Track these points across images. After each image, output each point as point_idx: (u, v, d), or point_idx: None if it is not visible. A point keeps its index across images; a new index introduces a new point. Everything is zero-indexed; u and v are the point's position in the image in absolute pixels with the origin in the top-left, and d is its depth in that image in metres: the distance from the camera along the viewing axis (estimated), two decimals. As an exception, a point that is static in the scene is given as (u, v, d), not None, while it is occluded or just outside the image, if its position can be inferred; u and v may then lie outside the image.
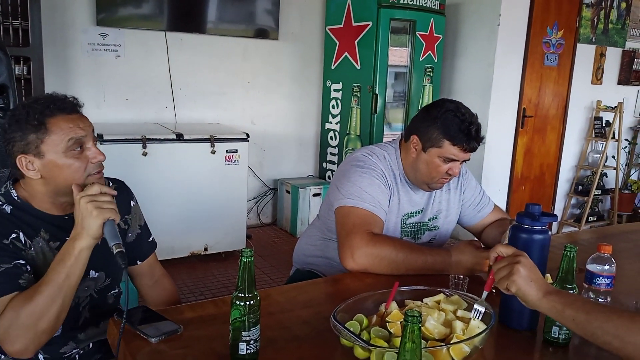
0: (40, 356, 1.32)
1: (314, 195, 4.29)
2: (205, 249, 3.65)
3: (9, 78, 1.91)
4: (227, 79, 4.31)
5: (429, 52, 4.24)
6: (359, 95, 4.20)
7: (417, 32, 4.13)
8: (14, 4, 3.27)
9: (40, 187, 1.27)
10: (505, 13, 4.17)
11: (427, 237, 1.81)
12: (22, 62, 3.21)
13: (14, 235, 1.23)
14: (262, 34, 4.35)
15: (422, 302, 1.24)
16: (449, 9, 4.38)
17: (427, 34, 4.19)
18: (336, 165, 4.50)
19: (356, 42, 4.19)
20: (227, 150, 3.63)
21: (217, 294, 3.20)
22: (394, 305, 1.20)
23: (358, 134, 4.24)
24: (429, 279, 1.42)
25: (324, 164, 4.66)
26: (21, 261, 1.21)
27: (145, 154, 3.32)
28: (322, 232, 1.82)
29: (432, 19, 4.19)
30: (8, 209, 1.26)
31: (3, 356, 1.29)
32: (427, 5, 4.14)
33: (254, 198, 4.49)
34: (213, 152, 3.57)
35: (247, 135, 3.73)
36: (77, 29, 3.71)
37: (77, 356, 1.38)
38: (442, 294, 1.27)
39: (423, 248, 1.56)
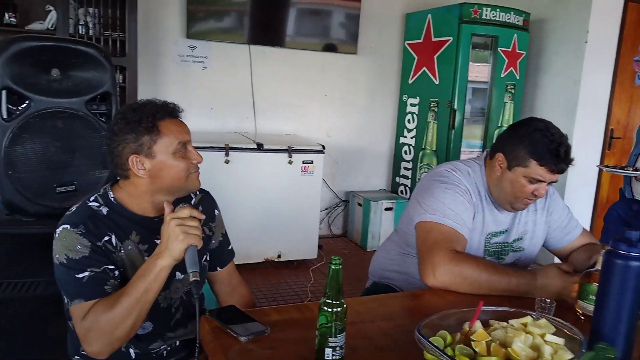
0: (131, 350, 1.41)
1: (386, 209, 4.28)
2: (279, 256, 3.73)
3: (112, 86, 2.06)
4: (305, 91, 4.42)
5: (511, 68, 4.14)
6: (436, 110, 4.17)
7: (499, 48, 4.05)
8: (114, 16, 3.53)
9: (144, 187, 1.34)
10: (594, 30, 4.00)
11: (511, 258, 1.77)
12: (118, 71, 3.45)
13: (106, 238, 1.30)
14: (340, 48, 4.42)
15: (508, 323, 1.22)
16: (533, 25, 4.27)
17: (510, 50, 4.09)
18: (410, 180, 4.48)
19: (435, 57, 4.17)
20: (303, 161, 3.71)
21: (290, 301, 3.26)
22: (478, 324, 1.19)
23: (434, 149, 4.20)
24: (513, 301, 1.39)
25: (397, 178, 4.64)
26: (110, 266, 1.29)
27: (227, 162, 3.46)
28: (401, 246, 1.82)
29: (515, 35, 4.09)
30: (104, 210, 1.34)
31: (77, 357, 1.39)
32: (510, 21, 4.05)
33: (326, 209, 4.54)
34: (290, 163, 3.66)
35: (323, 147, 3.80)
36: (168, 41, 3.94)
37: (164, 352, 1.45)
38: (529, 316, 1.24)
39: (507, 269, 1.53)
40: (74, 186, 1.99)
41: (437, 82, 4.16)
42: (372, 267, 1.96)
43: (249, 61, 4.16)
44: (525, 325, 1.22)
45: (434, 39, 4.19)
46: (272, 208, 3.65)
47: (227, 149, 3.48)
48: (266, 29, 4.18)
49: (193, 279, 1.23)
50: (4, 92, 1.88)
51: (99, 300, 1.24)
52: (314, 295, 3.36)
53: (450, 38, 4.02)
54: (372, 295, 1.55)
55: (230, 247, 1.63)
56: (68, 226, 1.28)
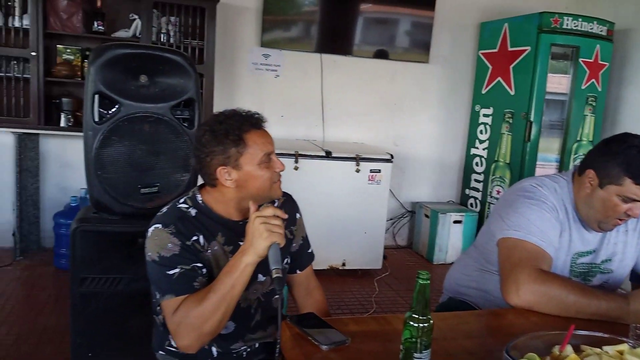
0: (214, 349, 1.44)
1: (455, 222, 4.19)
2: (343, 264, 3.72)
3: (196, 93, 2.13)
4: (374, 100, 4.40)
5: (593, 80, 3.94)
6: (511, 121, 4.03)
7: (580, 59, 3.87)
8: (194, 25, 3.67)
9: (231, 194, 1.39)
10: (687, 39, 3.75)
11: (598, 280, 1.68)
12: (197, 78, 3.57)
13: (195, 238, 1.36)
14: (411, 56, 4.38)
15: (602, 349, 1.15)
16: (618, 35, 4.05)
17: (592, 60, 3.91)
18: (480, 192, 4.35)
19: (511, 67, 4.04)
20: (370, 170, 3.69)
21: (354, 310, 3.24)
22: (569, 348, 1.13)
23: (507, 161, 4.06)
24: (602, 326, 1.31)
25: (467, 191, 4.53)
26: (199, 264, 1.34)
27: (296, 169, 3.50)
28: (479, 262, 1.76)
29: (598, 45, 3.90)
30: (193, 212, 1.40)
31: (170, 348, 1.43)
32: (593, 31, 3.87)
33: (391, 219, 4.49)
34: (357, 171, 3.65)
35: (391, 156, 3.76)
36: (244, 49, 4.05)
37: (244, 353, 1.48)
38: (625, 344, 1.16)
39: (596, 291, 1.44)
40: (157, 188, 2.06)
41: (512, 93, 4.03)
42: (447, 282, 1.92)
43: (320, 69, 4.20)
44: (621, 353, 1.15)
45: (510, 49, 4.07)
46: (338, 216, 3.65)
47: (296, 156, 3.52)
48: (336, 38, 4.21)
49: (276, 275, 1.25)
50: (96, 97, 1.98)
51: (189, 296, 1.29)
52: (379, 307, 3.33)
53: (528, 48, 3.88)
54: (452, 312, 1.51)
55: (310, 250, 1.65)
56: (160, 226, 1.35)
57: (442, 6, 4.36)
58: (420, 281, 1.05)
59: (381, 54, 4.31)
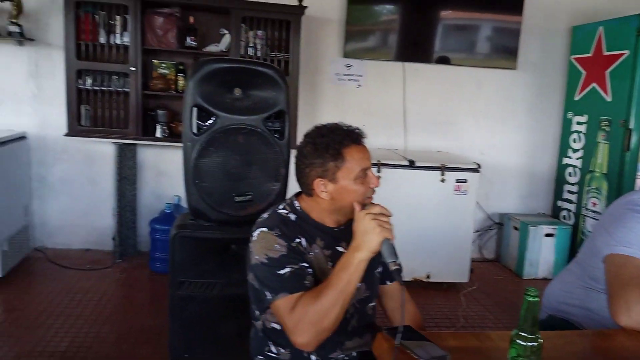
0: (313, 357, 1.46)
1: (546, 235, 3.99)
2: (428, 277, 3.65)
3: (286, 105, 2.19)
4: (458, 108, 4.31)
5: (701, 83, 3.63)
6: (607, 129, 3.79)
7: (687, 61, 3.58)
8: (280, 38, 3.77)
9: (325, 205, 1.45)
10: None
11: None
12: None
13: (297, 240, 1.42)
14: (497, 63, 4.25)
15: None
16: None
17: (698, 62, 3.60)
18: (574, 204, 4.12)
19: (607, 72, 3.81)
20: (456, 180, 3.60)
21: (441, 324, 3.16)
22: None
23: (604, 172, 3.82)
24: None
25: (559, 202, 4.30)
26: (304, 264, 1.38)
27: (379, 178, 3.48)
28: (582, 279, 1.67)
29: None
30: (292, 217, 1.47)
31: (282, 350, 1.47)
32: None
33: (477, 231, 4.35)
34: (442, 181, 3.58)
35: (479, 165, 3.65)
36: (327, 60, 4.11)
37: None
38: None
39: None
40: (250, 196, 2.13)
41: (609, 99, 3.79)
42: (546, 298, 1.83)
43: (402, 78, 4.17)
44: None
45: (605, 53, 3.84)
46: (422, 227, 3.58)
47: (379, 165, 3.51)
48: (422, 47, 4.16)
49: (394, 267, 1.28)
50: (194, 110, 2.08)
51: (305, 293, 1.32)
52: (467, 322, 3.23)
53: (627, 52, 3.64)
54: (556, 331, 1.43)
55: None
56: (265, 229, 1.41)
57: (530, 10, 4.20)
58: (529, 298, 1.01)
59: (464, 61, 4.21)
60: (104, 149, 3.91)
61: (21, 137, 3.69)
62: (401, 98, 4.21)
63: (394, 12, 4.11)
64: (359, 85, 4.17)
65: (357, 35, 4.06)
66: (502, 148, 4.41)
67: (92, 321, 2.93)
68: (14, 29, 3.57)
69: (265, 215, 1.49)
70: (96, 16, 3.56)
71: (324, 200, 1.43)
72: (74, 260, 3.81)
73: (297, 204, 1.50)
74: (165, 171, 4.02)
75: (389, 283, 1.62)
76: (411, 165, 3.58)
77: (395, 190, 3.52)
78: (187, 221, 2.18)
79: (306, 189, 1.46)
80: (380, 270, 1.57)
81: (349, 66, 4.14)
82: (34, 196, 3.92)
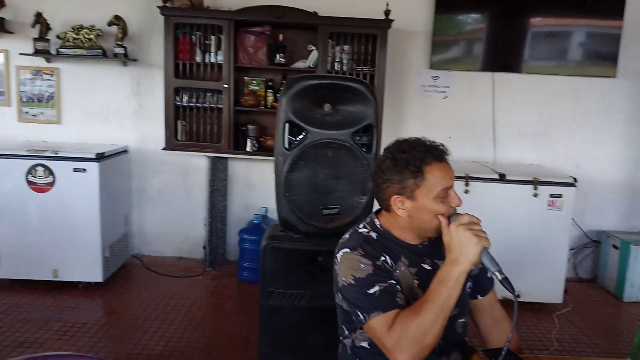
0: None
1: (651, 255, 3.69)
2: (518, 296, 3.46)
3: (375, 119, 2.20)
4: (552, 119, 4.11)
5: None
6: None
7: None
8: (366, 52, 3.79)
9: (403, 223, 1.42)
10: None
11: None
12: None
13: (382, 258, 1.39)
14: (595, 71, 4.01)
15: None
16: None
17: None
18: (684, 223, 3.79)
19: None
20: (550, 195, 3.43)
21: (532, 347, 3.01)
22: None
23: None
24: None
25: (665, 220, 3.97)
26: (393, 281, 1.36)
27: (467, 192, 3.39)
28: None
29: None
30: (374, 235, 1.45)
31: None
32: None
33: (572, 249, 4.10)
34: (535, 196, 3.42)
35: (575, 179, 3.46)
36: (412, 72, 4.08)
37: None
38: None
39: None
40: (337, 209, 2.16)
41: None
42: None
43: (490, 88, 4.06)
44: None
45: None
46: (512, 243, 3.43)
47: (467, 179, 3.42)
48: (512, 57, 4.02)
49: (501, 276, 1.24)
50: (287, 125, 2.15)
51: (402, 310, 1.30)
52: (561, 345, 3.05)
53: None
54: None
55: (489, 275, 1.58)
56: (348, 250, 1.40)
57: (632, 15, 3.93)
58: (645, 326, 0.94)
59: (556, 70, 4.02)
60: (197, 162, 4.11)
61: (124, 151, 3.98)
62: (490, 109, 4.09)
63: (480, 21, 4.01)
64: (446, 97, 4.10)
65: (444, 46, 4.00)
66: (600, 161, 4.15)
67: (185, 326, 3.08)
68: (119, 50, 3.88)
69: (346, 235, 1.48)
70: (193, 37, 3.78)
71: (402, 218, 1.40)
72: (167, 267, 4.03)
73: (377, 221, 1.48)
74: (253, 183, 4.17)
75: (480, 297, 1.56)
76: (501, 178, 3.46)
77: (484, 205, 3.41)
78: (277, 232, 2.24)
79: (383, 205, 1.44)
80: (470, 285, 1.52)
81: (435, 77, 4.08)
82: (133, 206, 4.20)
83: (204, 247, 4.05)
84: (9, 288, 3.40)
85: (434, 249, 1.46)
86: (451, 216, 1.35)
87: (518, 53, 4.02)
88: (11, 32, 3.93)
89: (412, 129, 4.03)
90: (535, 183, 3.42)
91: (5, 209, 3.44)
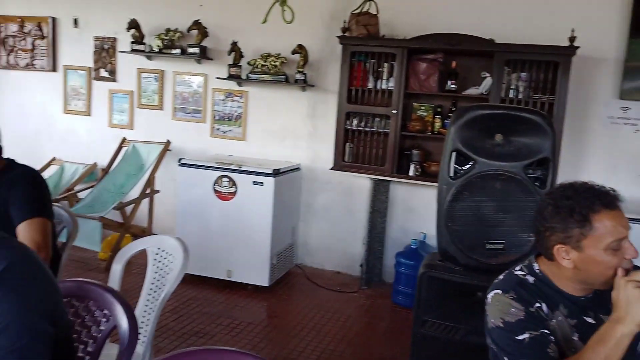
0: None
1: None
2: None
3: (552, 152, 2.08)
4: None
5: None
6: None
7: None
8: (545, 80, 3.58)
9: (568, 273, 1.31)
10: None
11: None
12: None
13: (537, 305, 1.31)
14: None
15: None
16: None
17: None
18: None
19: None
20: None
21: None
22: None
23: None
24: None
25: None
26: (546, 331, 1.27)
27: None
28: None
29: None
30: (531, 279, 1.36)
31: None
32: None
33: None
34: None
35: None
36: (598, 102, 3.74)
37: None
38: None
39: None
40: (502, 245, 2.08)
41: None
42: None
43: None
44: None
45: None
46: None
47: None
48: None
49: None
50: (454, 154, 2.14)
51: None
52: None
53: None
54: None
55: None
56: (500, 292, 1.35)
57: None
58: None
59: None
60: (361, 183, 4.25)
61: (296, 168, 4.29)
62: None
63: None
64: (637, 130, 3.68)
65: (637, 74, 3.61)
66: None
67: (338, 340, 3.19)
68: (299, 77, 4.21)
69: (500, 276, 1.41)
70: (367, 64, 3.95)
71: (566, 269, 1.29)
72: (326, 280, 4.21)
73: (536, 266, 1.38)
74: (414, 208, 4.17)
75: None
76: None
77: None
78: (435, 262, 2.23)
79: (546, 253, 1.34)
80: None
81: (625, 109, 3.70)
82: (300, 219, 4.49)
83: (361, 265, 4.15)
84: (190, 282, 3.85)
85: (599, 302, 1.34)
86: (629, 270, 1.22)
87: None
88: (211, 59, 4.51)
89: (594, 165, 3.68)
90: None
91: (196, 212, 3.93)
